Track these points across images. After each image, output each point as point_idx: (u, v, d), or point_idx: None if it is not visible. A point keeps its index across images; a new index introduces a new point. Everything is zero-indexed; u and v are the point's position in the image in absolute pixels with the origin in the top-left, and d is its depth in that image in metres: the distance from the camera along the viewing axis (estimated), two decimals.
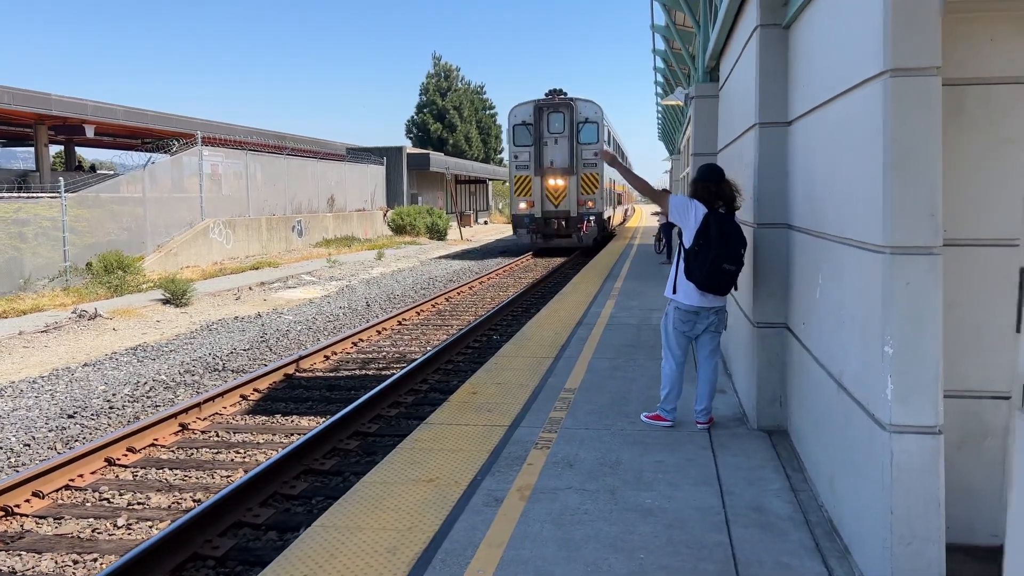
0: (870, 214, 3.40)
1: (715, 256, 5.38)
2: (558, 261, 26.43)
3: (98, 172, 35.20)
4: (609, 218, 31.37)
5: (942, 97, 3.17)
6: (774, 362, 5.66)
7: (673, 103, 18.79)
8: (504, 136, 30.54)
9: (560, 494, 4.60)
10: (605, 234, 30.37)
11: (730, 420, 6.05)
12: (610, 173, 29.21)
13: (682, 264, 5.62)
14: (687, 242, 5.58)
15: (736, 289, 5.63)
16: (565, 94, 27.82)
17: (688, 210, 5.58)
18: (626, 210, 50.99)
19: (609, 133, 29.83)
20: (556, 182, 27.30)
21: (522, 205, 27.75)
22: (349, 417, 7.69)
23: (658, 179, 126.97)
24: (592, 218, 27.24)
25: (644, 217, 58.13)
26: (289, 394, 9.31)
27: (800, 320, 5.06)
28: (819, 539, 3.96)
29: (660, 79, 23.17)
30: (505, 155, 25.45)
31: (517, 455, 5.29)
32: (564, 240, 27.81)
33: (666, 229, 20.16)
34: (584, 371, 7.76)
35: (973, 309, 3.62)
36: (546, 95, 27.91)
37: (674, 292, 5.70)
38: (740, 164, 6.23)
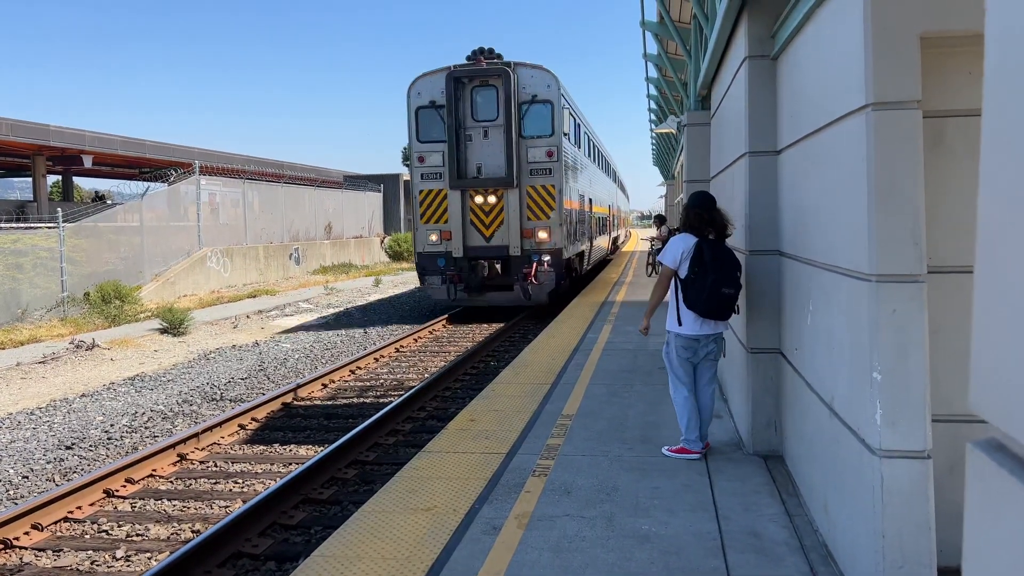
0: (855, 242, 3.48)
1: (713, 281, 5.45)
2: (485, 333, 16.13)
3: (106, 201, 35.31)
4: (581, 255, 21.00)
5: (923, 129, 3.27)
6: (768, 387, 5.72)
7: (666, 131, 19.00)
8: (407, 126, 17.34)
9: (558, 521, 4.63)
10: (575, 279, 20.27)
11: (726, 445, 6.09)
12: (583, 183, 21.27)
13: (680, 295, 5.69)
14: (683, 272, 5.65)
15: (738, 312, 5.67)
16: (499, 57, 16.92)
17: (679, 247, 5.67)
18: (616, 238, 40.53)
19: (573, 119, 19.03)
20: (486, 200, 16.89)
21: (432, 238, 17.07)
22: (347, 446, 7.71)
23: (653, 204, 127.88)
24: (547, 259, 16.79)
25: (640, 243, 58.06)
26: (287, 423, 9.33)
27: (792, 345, 5.13)
28: (814, 564, 4.00)
29: (654, 106, 23.42)
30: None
31: (515, 482, 5.33)
32: (500, 295, 17.14)
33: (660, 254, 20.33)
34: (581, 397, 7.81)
35: (958, 334, 3.70)
36: (468, 58, 17.01)
37: (679, 324, 5.72)
38: (732, 191, 6.33)
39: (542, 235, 16.79)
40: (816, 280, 4.38)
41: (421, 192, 17.03)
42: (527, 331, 16.14)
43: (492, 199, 16.79)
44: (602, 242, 29.30)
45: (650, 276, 22.58)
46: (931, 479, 3.22)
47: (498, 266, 16.95)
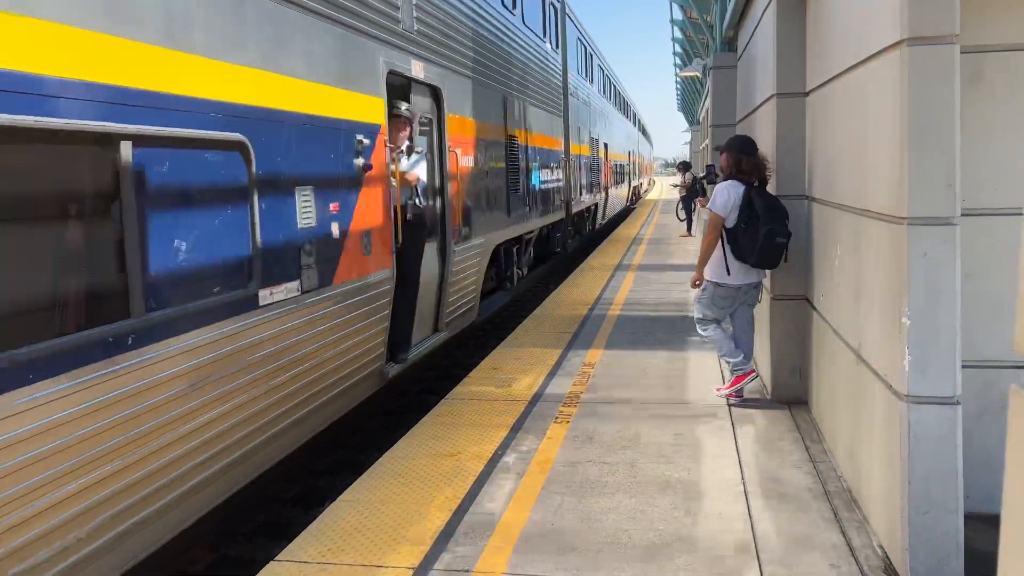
0: (887, 185, 3.38)
1: (768, 231, 5.32)
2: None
3: None
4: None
5: (960, 65, 3.13)
6: (793, 334, 5.66)
7: (691, 74, 18.59)
8: None
9: (580, 467, 4.66)
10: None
11: (749, 393, 6.06)
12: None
13: (726, 245, 5.55)
14: (731, 222, 5.49)
15: (786, 261, 5.49)
16: None
17: (729, 195, 5.50)
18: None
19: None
20: None
21: None
22: (373, 395, 7.77)
23: (678, 151, 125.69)
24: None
25: (667, 189, 57.27)
26: None
27: (819, 292, 5.05)
28: (838, 510, 3.99)
29: (679, 49, 22.82)
30: None
31: (537, 429, 5.35)
32: None
33: (686, 201, 20.00)
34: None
35: (992, 279, 3.61)
36: None
37: (728, 274, 5.61)
38: (759, 135, 6.18)
39: None
40: (845, 224, 4.28)
41: None
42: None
43: None
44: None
45: (682, 222, 21.63)
46: (959, 425, 3.17)
47: None
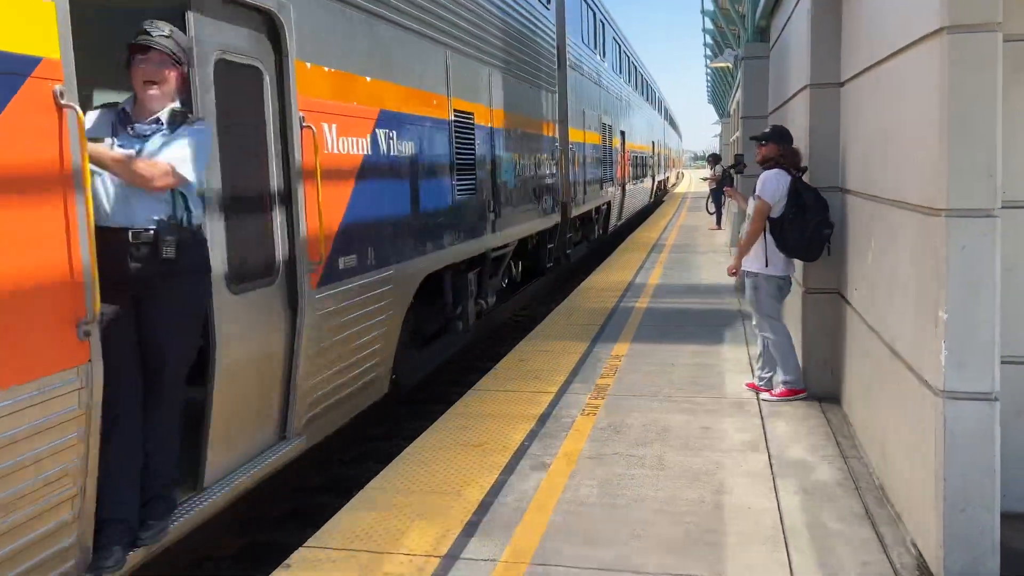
0: (925, 176, 3.31)
1: (818, 222, 5.24)
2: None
3: None
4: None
5: (1002, 54, 3.06)
6: (824, 328, 5.58)
7: (722, 65, 18.40)
8: None
9: (607, 459, 4.64)
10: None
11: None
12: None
13: (770, 236, 5.45)
14: (777, 212, 5.38)
15: (829, 254, 5.37)
16: None
17: (778, 184, 5.39)
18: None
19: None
20: None
21: None
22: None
23: (707, 143, 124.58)
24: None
25: (695, 183, 56.81)
26: None
27: (852, 285, 4.98)
28: (869, 505, 3.93)
29: (709, 40, 22.57)
30: None
31: (564, 421, 5.34)
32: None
33: (716, 194, 19.83)
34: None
35: None
36: None
37: (766, 265, 5.52)
38: (791, 126, 6.09)
39: None
40: (880, 217, 4.21)
41: None
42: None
43: None
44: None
45: (711, 215, 20.86)
46: (997, 422, 3.11)
47: None
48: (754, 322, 5.91)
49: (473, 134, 7.45)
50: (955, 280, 3.09)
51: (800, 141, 5.72)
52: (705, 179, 22.15)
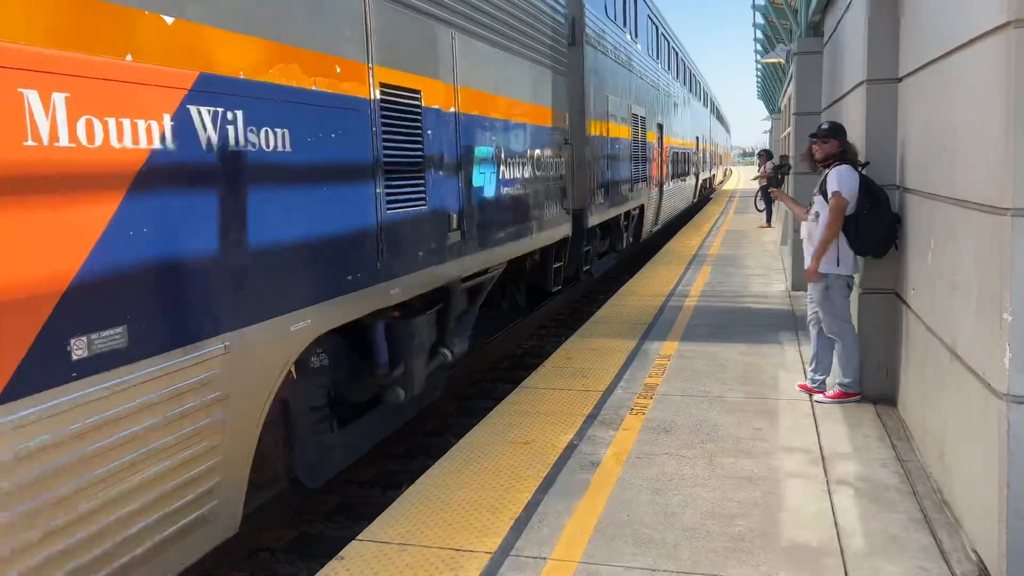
0: (988, 174, 3.22)
1: (892, 218, 5.16)
2: None
3: None
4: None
5: None
6: (880, 329, 5.47)
7: (774, 60, 18.10)
8: None
9: (657, 459, 4.61)
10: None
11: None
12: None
13: (842, 234, 5.31)
14: (851, 208, 5.24)
15: (897, 249, 5.24)
16: None
17: (852, 180, 5.25)
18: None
19: None
20: None
21: None
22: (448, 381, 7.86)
23: (756, 140, 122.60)
24: None
25: (741, 179, 55.98)
26: None
27: (910, 286, 4.87)
28: (927, 511, 3.84)
29: (760, 35, 22.19)
30: None
31: (612, 420, 5.32)
32: None
33: (766, 191, 19.51)
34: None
35: None
36: None
37: (837, 264, 5.39)
38: (846, 123, 5.97)
39: None
40: (939, 215, 4.10)
41: None
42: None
43: None
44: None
45: (760, 212, 20.04)
46: None
47: None
48: (814, 324, 5.74)
49: (420, 121, 5.18)
50: (1020, 281, 3.00)
51: (856, 137, 5.61)
52: (755, 177, 21.49)
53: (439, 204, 5.50)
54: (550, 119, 8.40)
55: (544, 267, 8.93)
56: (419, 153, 5.18)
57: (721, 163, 49.68)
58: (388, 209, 4.75)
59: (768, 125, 36.97)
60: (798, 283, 9.58)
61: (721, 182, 50.17)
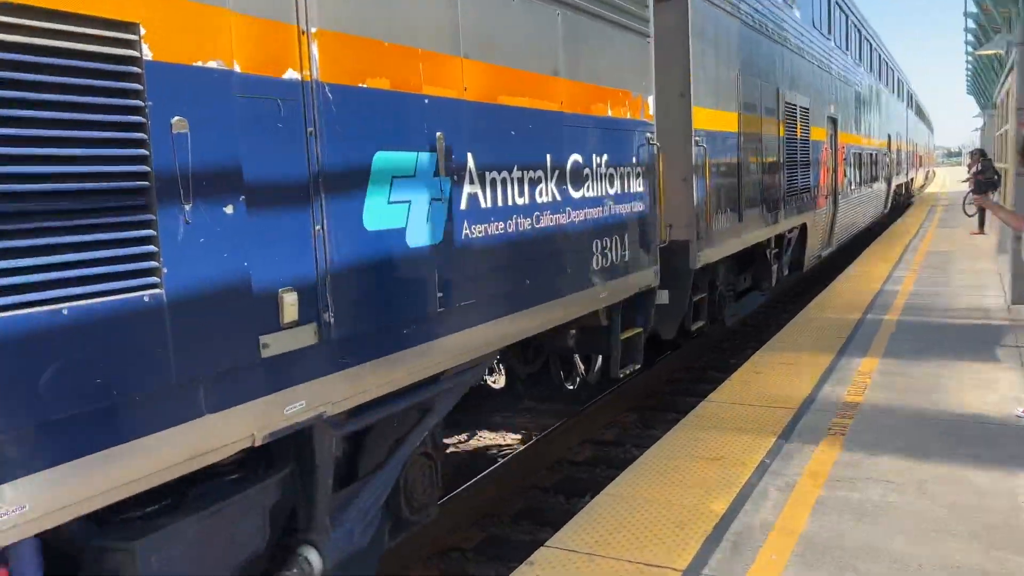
0: None
1: None
2: None
3: None
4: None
5: None
6: None
7: (991, 52, 16.48)
8: None
9: (859, 484, 4.31)
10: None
11: None
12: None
13: None
14: None
15: None
16: None
17: None
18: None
19: None
20: None
21: None
22: (627, 391, 7.81)
23: (963, 138, 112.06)
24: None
25: (946, 182, 51.23)
26: None
27: None
28: None
29: (972, 25, 20.18)
30: None
31: (808, 439, 5.04)
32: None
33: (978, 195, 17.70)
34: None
35: None
36: None
37: None
38: None
39: None
40: None
41: None
42: None
43: None
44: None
45: (971, 217, 17.63)
46: None
47: None
48: None
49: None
50: None
51: None
52: (965, 179, 19.18)
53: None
54: (621, 107, 5.37)
55: (602, 337, 5.72)
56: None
57: (922, 165, 45.40)
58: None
59: (980, 122, 33.60)
60: (1019, 297, 8.66)
61: (922, 186, 46.05)
